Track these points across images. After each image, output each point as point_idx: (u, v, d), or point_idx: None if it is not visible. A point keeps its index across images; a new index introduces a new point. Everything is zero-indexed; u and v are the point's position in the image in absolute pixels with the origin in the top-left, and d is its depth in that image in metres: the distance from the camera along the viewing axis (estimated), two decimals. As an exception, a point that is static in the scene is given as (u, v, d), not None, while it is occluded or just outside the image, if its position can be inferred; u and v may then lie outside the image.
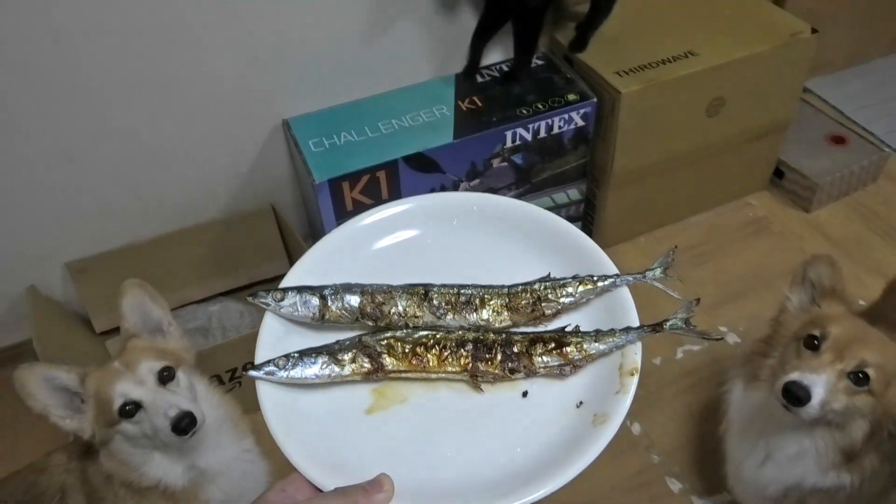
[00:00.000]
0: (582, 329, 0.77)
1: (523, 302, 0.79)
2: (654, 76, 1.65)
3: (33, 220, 1.58)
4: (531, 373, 0.74)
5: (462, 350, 0.76)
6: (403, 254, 0.87)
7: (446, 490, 0.65)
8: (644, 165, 1.83)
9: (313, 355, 0.75)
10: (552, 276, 0.81)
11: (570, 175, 1.79)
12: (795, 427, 1.05)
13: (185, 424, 0.96)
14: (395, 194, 1.58)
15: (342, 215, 1.55)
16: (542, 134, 1.65)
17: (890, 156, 2.14)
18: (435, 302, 0.80)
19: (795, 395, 0.95)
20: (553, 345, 0.75)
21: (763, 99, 1.86)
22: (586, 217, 1.95)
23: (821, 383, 0.95)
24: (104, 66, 1.43)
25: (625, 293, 0.78)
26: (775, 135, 2.00)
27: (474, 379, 0.74)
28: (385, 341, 0.77)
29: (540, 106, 1.64)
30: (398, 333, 0.77)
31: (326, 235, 0.87)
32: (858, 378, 0.96)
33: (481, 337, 0.77)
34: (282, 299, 0.79)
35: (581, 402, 0.71)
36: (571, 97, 1.66)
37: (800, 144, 2.11)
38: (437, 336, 0.77)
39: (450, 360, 0.75)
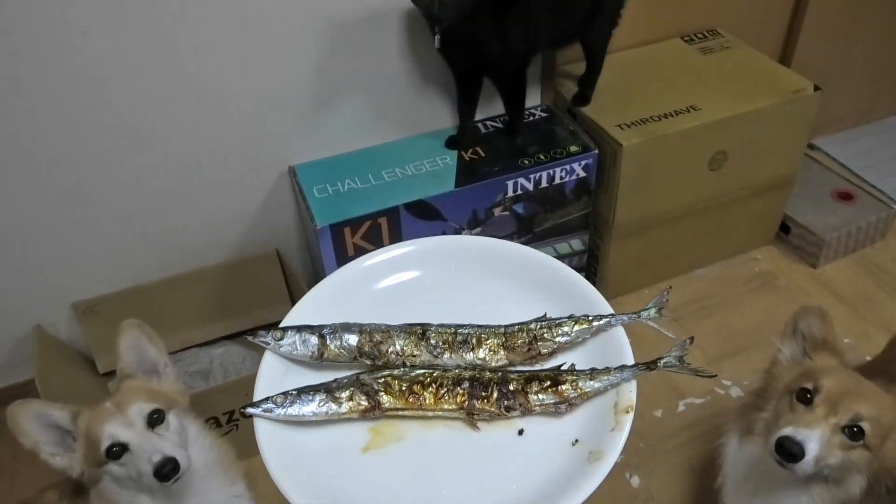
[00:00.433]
0: (577, 367, 0.78)
1: (519, 341, 0.81)
2: (656, 129, 1.68)
3: (42, 260, 1.60)
4: (527, 411, 0.75)
5: (458, 388, 0.77)
6: (403, 294, 0.89)
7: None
8: (647, 217, 1.84)
9: (311, 393, 0.76)
10: (548, 315, 0.82)
11: (573, 225, 1.81)
12: (792, 483, 1.03)
13: (167, 471, 0.94)
14: (397, 241, 1.58)
15: (343, 260, 1.56)
16: (544, 184, 1.67)
17: (898, 213, 2.14)
18: (432, 341, 0.81)
19: (789, 451, 0.93)
20: (549, 383, 0.76)
21: (766, 154, 1.88)
22: (589, 268, 1.95)
23: (815, 438, 0.93)
24: (117, 112, 1.48)
25: (620, 333, 0.79)
26: (780, 190, 2.02)
27: (470, 417, 0.75)
28: (382, 379, 0.78)
29: (542, 157, 1.66)
30: (395, 371, 0.78)
31: (329, 276, 0.89)
32: (853, 432, 0.94)
33: (478, 375, 0.78)
34: (281, 338, 0.81)
35: (577, 440, 0.72)
36: (573, 149, 1.69)
37: (807, 200, 2.12)
38: (434, 374, 0.78)
39: (446, 397, 0.76)
